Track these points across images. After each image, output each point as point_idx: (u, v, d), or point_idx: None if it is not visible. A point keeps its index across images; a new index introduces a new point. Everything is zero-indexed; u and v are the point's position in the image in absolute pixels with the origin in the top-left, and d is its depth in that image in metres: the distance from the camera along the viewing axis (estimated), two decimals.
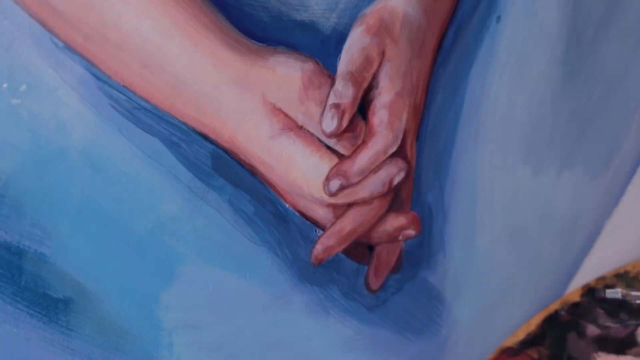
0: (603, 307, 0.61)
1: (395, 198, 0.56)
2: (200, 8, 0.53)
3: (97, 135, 0.55)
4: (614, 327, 0.60)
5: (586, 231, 0.63)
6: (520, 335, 0.60)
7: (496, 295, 0.61)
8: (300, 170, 0.53)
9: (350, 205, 0.55)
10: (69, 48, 0.54)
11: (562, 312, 0.61)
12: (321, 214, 0.55)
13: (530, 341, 0.60)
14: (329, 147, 0.54)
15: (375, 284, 0.59)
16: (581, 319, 0.60)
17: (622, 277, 0.61)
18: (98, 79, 0.55)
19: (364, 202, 0.54)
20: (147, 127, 0.55)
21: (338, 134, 0.53)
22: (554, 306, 0.61)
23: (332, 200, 0.54)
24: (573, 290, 0.61)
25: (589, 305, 0.61)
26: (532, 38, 0.59)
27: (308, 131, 0.53)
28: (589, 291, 0.61)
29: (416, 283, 0.60)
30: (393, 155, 0.54)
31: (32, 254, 0.55)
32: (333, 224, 0.55)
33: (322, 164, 0.53)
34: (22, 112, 0.54)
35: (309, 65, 0.53)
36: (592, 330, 0.60)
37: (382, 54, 0.54)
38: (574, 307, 0.61)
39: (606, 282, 0.61)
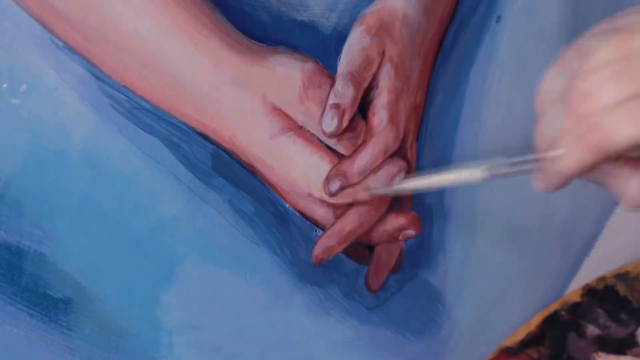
0: (603, 308, 0.61)
1: (395, 198, 0.56)
2: (200, 8, 0.53)
3: (97, 135, 0.55)
4: (614, 327, 0.60)
5: (586, 231, 0.63)
6: (520, 335, 0.60)
7: (496, 295, 0.61)
8: (300, 170, 0.53)
9: (350, 205, 0.55)
10: (69, 48, 0.54)
11: (562, 312, 0.61)
12: (321, 214, 0.55)
13: (530, 341, 0.60)
14: (329, 147, 0.54)
15: (375, 284, 0.59)
16: (581, 319, 0.61)
17: (623, 278, 0.61)
18: (98, 79, 0.55)
19: (364, 202, 0.54)
20: (147, 127, 0.55)
21: (338, 134, 0.53)
22: (554, 306, 0.61)
23: (333, 201, 0.54)
24: (573, 290, 0.61)
25: (589, 306, 0.61)
26: (532, 38, 0.59)
27: (308, 131, 0.53)
28: (589, 291, 0.61)
29: (416, 283, 0.60)
30: (393, 155, 0.54)
31: (32, 254, 0.55)
32: (333, 224, 0.55)
33: (322, 164, 0.53)
34: (22, 112, 0.54)
35: (309, 65, 0.53)
36: (592, 330, 0.60)
37: (382, 54, 0.54)
38: (574, 307, 0.61)
39: (606, 282, 0.61)
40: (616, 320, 0.60)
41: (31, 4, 0.53)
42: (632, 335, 0.60)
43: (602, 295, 0.61)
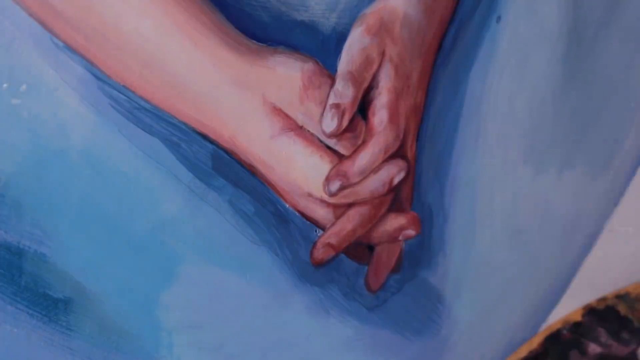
0: (604, 327, 0.61)
1: (395, 198, 0.56)
2: (201, 8, 0.53)
3: (97, 135, 0.55)
4: (615, 346, 0.60)
5: (586, 231, 0.63)
6: (523, 353, 0.61)
7: (496, 295, 0.61)
8: (300, 170, 0.53)
9: (350, 205, 0.55)
10: (69, 48, 0.54)
11: (564, 331, 0.61)
12: (321, 214, 0.55)
13: (533, 359, 0.61)
14: (329, 147, 0.54)
15: (375, 284, 0.58)
16: (583, 338, 0.61)
17: (623, 298, 0.61)
18: (98, 79, 0.55)
19: (364, 202, 0.54)
20: (147, 127, 0.55)
21: (338, 134, 0.53)
22: (556, 325, 0.61)
23: (333, 201, 0.54)
24: (574, 310, 0.62)
25: (591, 325, 0.61)
26: (533, 38, 0.59)
27: (308, 131, 0.53)
28: (590, 311, 0.61)
29: (416, 283, 0.60)
30: (393, 155, 0.54)
31: (32, 254, 0.55)
32: (333, 224, 0.55)
33: (322, 164, 0.53)
34: (22, 112, 0.54)
35: (309, 65, 0.53)
36: (593, 348, 0.60)
37: (383, 54, 0.54)
38: (575, 326, 0.61)
39: (607, 302, 0.61)
40: (617, 339, 0.61)
41: (31, 4, 0.53)
42: (633, 353, 0.60)
43: (603, 315, 0.61)
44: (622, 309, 0.61)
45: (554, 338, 0.61)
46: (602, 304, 0.61)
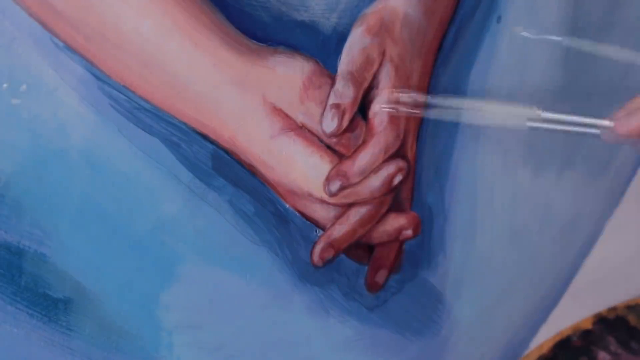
0: (614, 336, 0.61)
1: (395, 198, 0.56)
2: (201, 8, 0.53)
3: (97, 135, 0.55)
4: (625, 355, 0.61)
5: (586, 232, 0.63)
6: (533, 357, 0.61)
7: (496, 295, 0.61)
8: (300, 171, 0.53)
9: (350, 206, 0.55)
10: (69, 48, 0.54)
11: (574, 338, 0.61)
12: (321, 214, 0.55)
13: None
14: (329, 147, 0.54)
15: (375, 284, 0.58)
16: (593, 346, 0.61)
17: (634, 309, 0.62)
18: (98, 79, 0.55)
19: (365, 202, 0.54)
20: (147, 127, 0.55)
21: (338, 134, 0.53)
22: (566, 332, 0.61)
23: (333, 201, 0.54)
24: (585, 318, 0.62)
25: (601, 333, 0.61)
26: (533, 38, 0.59)
27: (308, 131, 0.53)
28: (601, 320, 0.61)
29: (416, 283, 0.60)
30: (393, 155, 0.54)
31: (32, 254, 0.55)
32: (333, 224, 0.55)
33: (322, 164, 0.53)
34: (22, 112, 0.54)
35: (309, 66, 0.53)
36: (603, 356, 0.61)
37: (383, 54, 0.54)
38: (585, 334, 0.61)
39: (617, 312, 0.61)
40: (627, 348, 0.61)
41: (31, 4, 0.53)
42: None
43: (612, 325, 0.61)
44: (632, 319, 0.61)
45: (564, 344, 0.61)
46: (612, 313, 0.62)
